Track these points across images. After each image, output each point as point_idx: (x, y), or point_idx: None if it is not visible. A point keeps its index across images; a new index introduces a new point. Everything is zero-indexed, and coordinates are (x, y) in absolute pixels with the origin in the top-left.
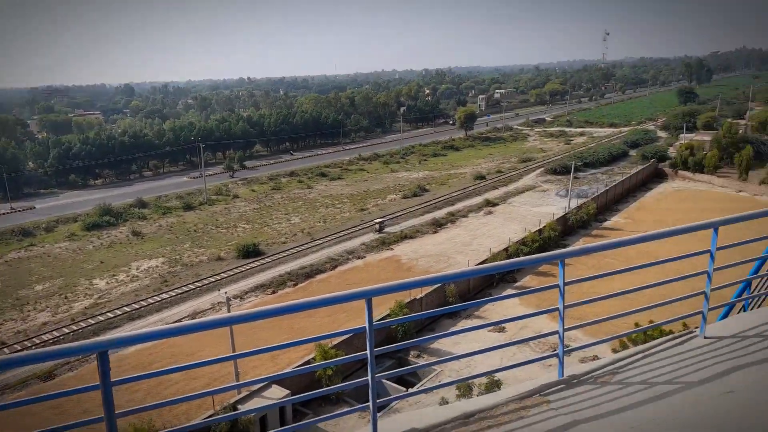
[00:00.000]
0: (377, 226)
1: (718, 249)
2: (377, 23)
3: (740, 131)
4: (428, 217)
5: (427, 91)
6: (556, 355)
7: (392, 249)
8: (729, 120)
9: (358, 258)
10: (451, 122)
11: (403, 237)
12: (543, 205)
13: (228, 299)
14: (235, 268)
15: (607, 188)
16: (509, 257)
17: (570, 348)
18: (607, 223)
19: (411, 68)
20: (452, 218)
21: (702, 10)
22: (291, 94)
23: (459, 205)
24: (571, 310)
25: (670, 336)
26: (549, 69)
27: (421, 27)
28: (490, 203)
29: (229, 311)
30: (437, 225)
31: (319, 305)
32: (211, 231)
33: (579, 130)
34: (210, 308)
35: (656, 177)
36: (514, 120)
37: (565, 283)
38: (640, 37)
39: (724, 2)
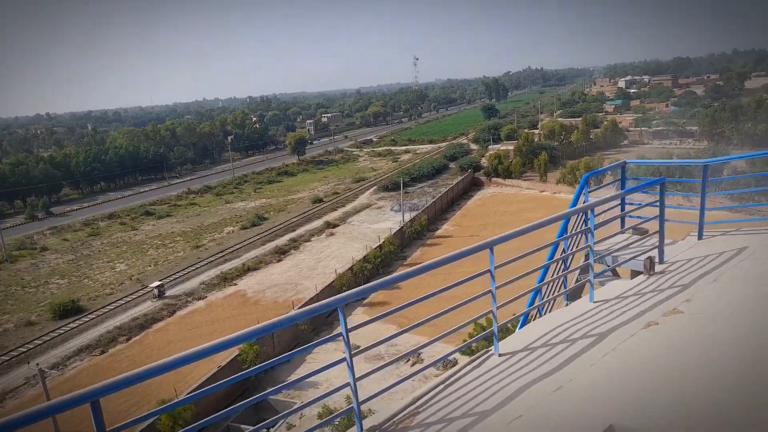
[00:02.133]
0: (155, 291)
1: (497, 267)
2: (196, 51)
3: (535, 139)
4: (270, 245)
5: (254, 119)
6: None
7: (235, 284)
8: (525, 130)
9: (199, 299)
10: (282, 147)
11: (246, 269)
12: (380, 221)
13: (41, 371)
14: (52, 331)
15: (434, 200)
16: (355, 276)
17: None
18: (439, 231)
19: (234, 96)
20: (295, 244)
21: (496, 36)
22: (101, 129)
23: (300, 230)
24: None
25: (468, 360)
26: (370, 92)
27: (243, 53)
28: (330, 225)
29: (44, 386)
30: (281, 253)
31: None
32: (16, 293)
33: (404, 148)
34: (24, 383)
35: (474, 185)
36: (344, 142)
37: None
38: (446, 61)
39: (513, 30)
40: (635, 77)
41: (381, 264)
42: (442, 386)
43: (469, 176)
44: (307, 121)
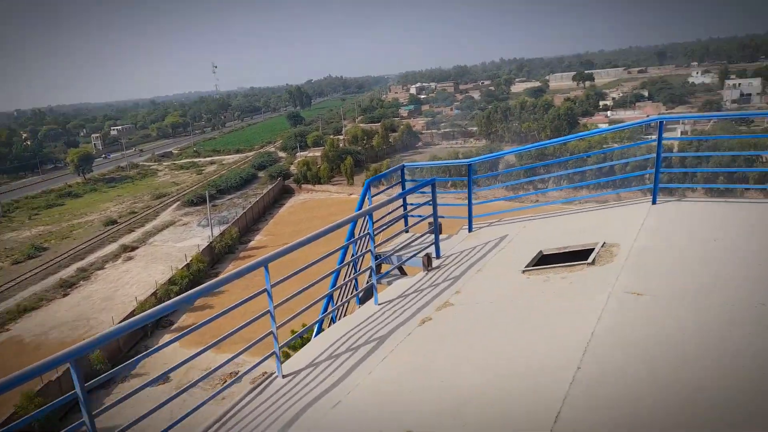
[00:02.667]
0: None
1: (274, 285)
2: None
3: (341, 145)
4: (53, 279)
5: (25, 135)
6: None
7: (8, 330)
8: (331, 137)
9: None
10: (62, 166)
11: (23, 311)
12: (187, 238)
13: None
14: None
15: (245, 210)
16: (159, 302)
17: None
18: (252, 243)
19: None
20: (85, 274)
21: (297, 44)
22: None
23: (91, 258)
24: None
25: (249, 389)
26: (166, 102)
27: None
28: (128, 248)
29: None
30: (67, 286)
31: None
32: None
33: (208, 159)
34: None
35: (285, 193)
36: (139, 157)
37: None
38: (247, 69)
39: (313, 38)
40: (424, 84)
41: (190, 284)
42: (218, 424)
43: (279, 184)
44: (93, 135)
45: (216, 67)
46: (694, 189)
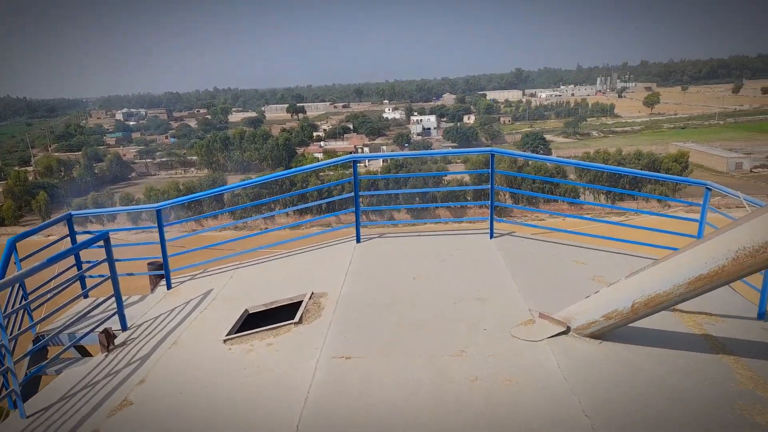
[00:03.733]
0: None
1: None
2: None
3: (29, 178)
4: None
5: None
6: None
7: None
8: (16, 168)
9: None
10: None
11: None
12: None
13: None
14: None
15: None
16: None
17: None
18: None
19: None
20: None
21: None
22: None
23: None
24: None
25: None
26: None
27: None
28: None
29: None
30: None
31: None
32: None
33: None
34: None
35: None
36: None
37: None
38: None
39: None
40: (132, 110)
41: None
42: None
43: None
44: None
45: None
46: (399, 210)
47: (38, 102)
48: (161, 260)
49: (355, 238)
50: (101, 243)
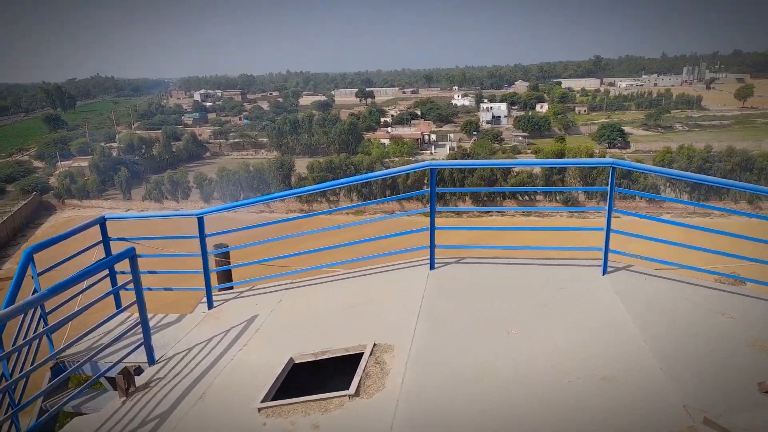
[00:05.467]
0: None
1: None
2: None
3: (113, 154)
4: None
5: None
6: None
7: None
8: (102, 144)
9: None
10: None
11: None
12: None
13: None
14: None
15: None
16: None
17: None
18: (0, 272)
19: None
20: None
21: (57, 37)
22: None
23: None
24: None
25: None
26: None
27: None
28: None
29: None
30: None
31: None
32: None
33: None
34: None
35: (44, 210)
36: None
37: None
38: None
39: (76, 34)
40: (209, 91)
41: None
42: None
43: (35, 200)
44: None
45: None
46: (464, 199)
47: (124, 81)
48: (226, 247)
49: (428, 263)
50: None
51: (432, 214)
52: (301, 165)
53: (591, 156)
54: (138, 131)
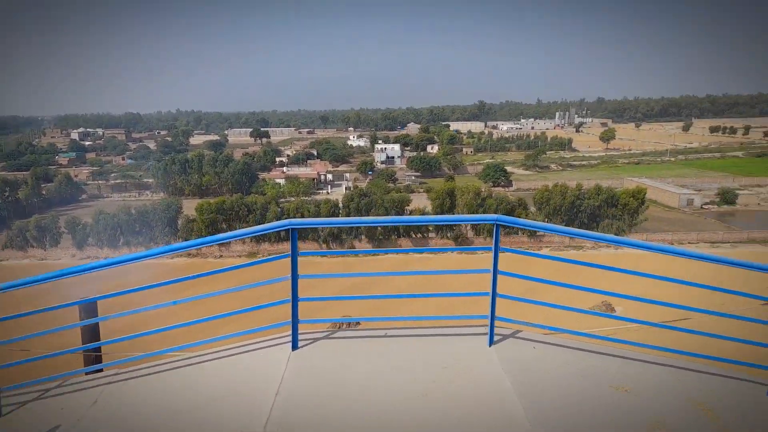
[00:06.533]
0: None
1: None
2: None
3: None
4: None
5: None
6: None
7: None
8: None
9: None
10: None
11: None
12: None
13: None
14: None
15: None
16: None
17: None
18: None
19: None
20: None
21: None
22: None
23: None
24: None
25: None
26: None
27: None
28: None
29: None
30: None
31: None
32: None
33: None
34: None
35: None
36: None
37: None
38: None
39: None
40: (89, 129)
41: None
42: None
43: None
44: None
45: None
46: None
47: None
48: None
49: (290, 341)
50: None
51: (294, 283)
52: (190, 206)
53: (478, 194)
54: (2, 172)
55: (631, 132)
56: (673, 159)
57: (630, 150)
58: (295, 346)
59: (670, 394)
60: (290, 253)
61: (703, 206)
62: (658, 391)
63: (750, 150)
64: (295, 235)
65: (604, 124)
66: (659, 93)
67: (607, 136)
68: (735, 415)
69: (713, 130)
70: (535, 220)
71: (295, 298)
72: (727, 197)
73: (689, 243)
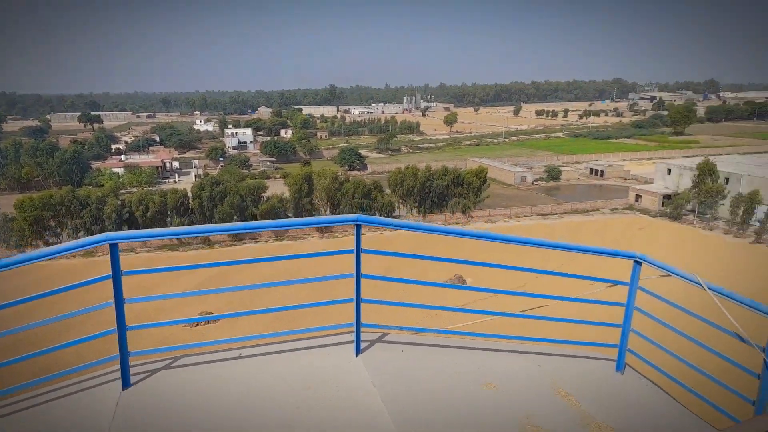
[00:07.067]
0: None
1: None
2: None
3: None
4: None
5: None
6: None
7: None
8: None
9: None
10: None
11: None
12: None
13: None
14: None
15: None
16: None
17: None
18: None
19: None
20: None
21: None
22: None
23: None
24: None
25: None
26: None
27: None
28: None
29: None
30: None
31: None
32: None
33: None
34: None
35: None
36: None
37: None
38: None
39: None
40: None
41: None
42: None
43: None
44: None
45: None
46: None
47: None
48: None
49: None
50: None
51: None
52: (8, 203)
53: (336, 178)
54: None
55: (471, 115)
56: (507, 140)
57: (471, 132)
58: (126, 385)
59: (535, 385)
60: (111, 274)
61: (534, 182)
62: (524, 384)
63: (567, 131)
64: (115, 251)
65: (447, 109)
66: (493, 80)
67: (450, 120)
68: (592, 395)
69: (539, 113)
70: (390, 201)
71: (121, 316)
72: (553, 173)
73: (525, 216)
